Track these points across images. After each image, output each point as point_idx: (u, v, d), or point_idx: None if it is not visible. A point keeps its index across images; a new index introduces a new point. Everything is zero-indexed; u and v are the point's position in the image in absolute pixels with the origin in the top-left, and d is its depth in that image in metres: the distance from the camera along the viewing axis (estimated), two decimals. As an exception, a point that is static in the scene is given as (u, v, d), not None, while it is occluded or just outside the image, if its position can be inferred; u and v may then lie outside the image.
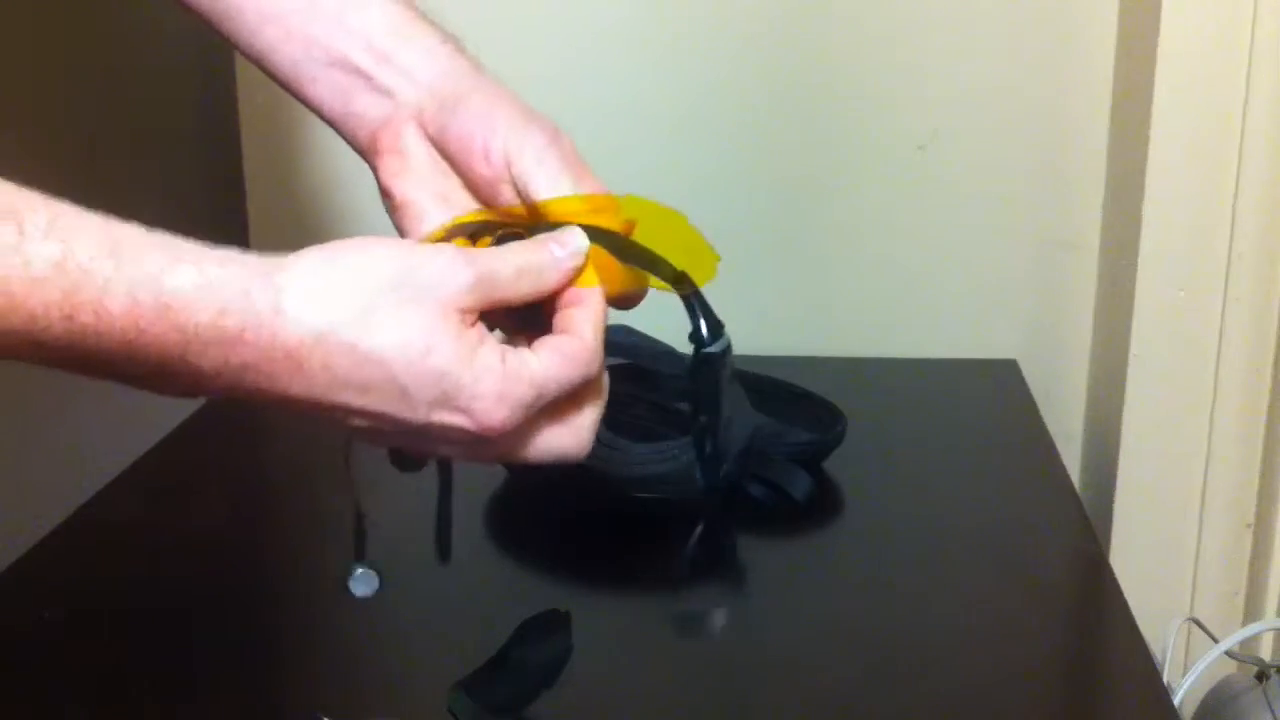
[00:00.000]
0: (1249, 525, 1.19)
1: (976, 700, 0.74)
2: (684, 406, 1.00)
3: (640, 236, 0.63)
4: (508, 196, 0.64)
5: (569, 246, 0.59)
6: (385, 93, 0.67)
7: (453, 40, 0.69)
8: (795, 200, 1.28)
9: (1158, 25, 1.08)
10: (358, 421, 0.55)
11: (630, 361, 1.04)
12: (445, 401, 0.54)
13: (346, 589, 0.66)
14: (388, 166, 0.67)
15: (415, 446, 0.59)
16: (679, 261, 0.63)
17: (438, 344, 0.54)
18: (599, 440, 0.95)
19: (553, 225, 0.62)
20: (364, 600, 0.66)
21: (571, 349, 0.58)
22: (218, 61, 1.25)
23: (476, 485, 0.99)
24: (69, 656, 0.77)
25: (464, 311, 0.55)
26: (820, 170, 1.27)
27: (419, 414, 0.54)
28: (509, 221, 0.63)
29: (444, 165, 0.66)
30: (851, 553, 0.93)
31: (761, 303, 1.28)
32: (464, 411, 0.54)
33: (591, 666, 0.74)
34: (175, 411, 1.10)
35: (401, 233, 0.66)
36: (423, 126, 0.67)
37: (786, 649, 0.80)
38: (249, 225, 1.27)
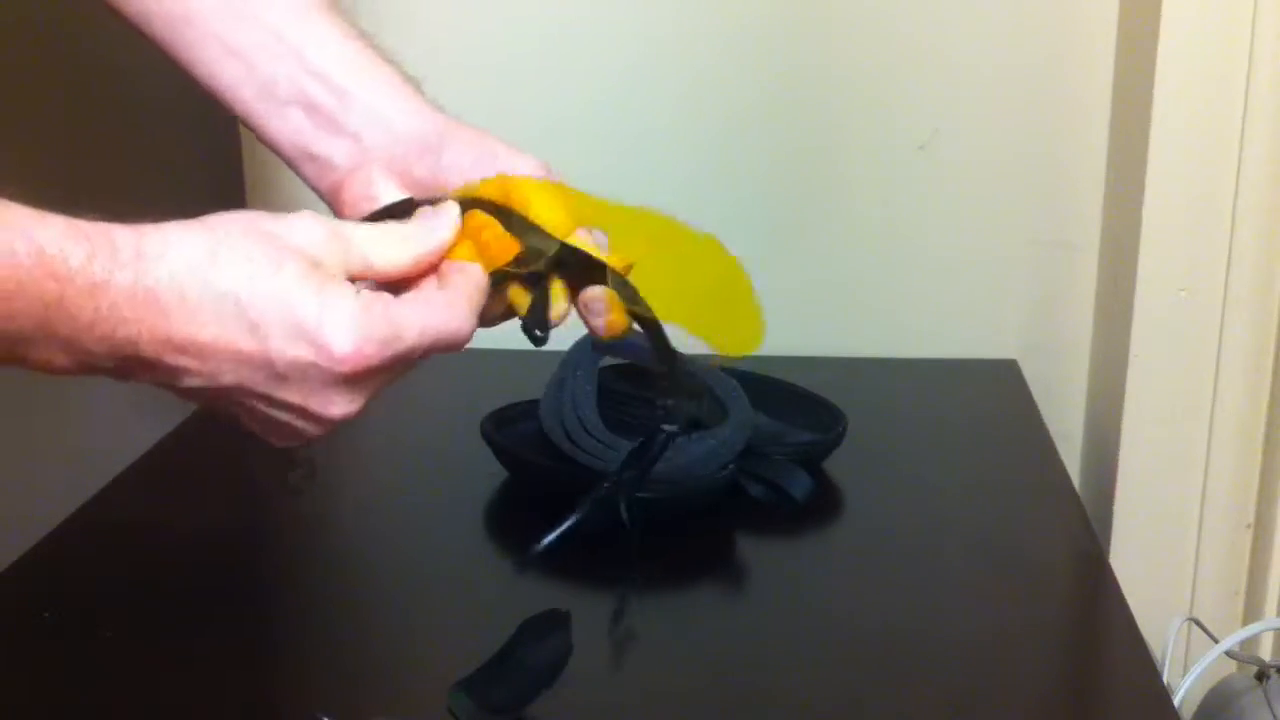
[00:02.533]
0: (1249, 525, 1.19)
1: (976, 700, 0.74)
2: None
3: (664, 275, 0.63)
4: None
5: (442, 216, 0.60)
6: (352, 137, 0.67)
7: (412, 80, 0.69)
8: (795, 200, 1.28)
9: (1158, 25, 1.08)
10: (221, 373, 0.54)
11: (630, 361, 1.04)
12: (295, 331, 0.54)
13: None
14: (360, 213, 0.66)
15: (265, 417, 0.58)
16: (710, 318, 0.63)
17: (284, 274, 0.54)
18: (599, 440, 0.96)
19: (534, 224, 0.62)
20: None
21: (440, 299, 0.58)
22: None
23: (477, 486, 0.99)
24: (69, 657, 0.77)
25: (314, 261, 0.55)
26: (820, 170, 1.27)
27: (272, 347, 0.54)
28: (493, 202, 0.63)
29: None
30: (851, 553, 0.93)
31: (761, 302, 1.28)
32: (312, 341, 0.54)
33: (591, 666, 0.74)
34: (175, 411, 1.10)
35: None
36: (401, 172, 0.66)
37: (786, 649, 0.80)
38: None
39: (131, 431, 1.06)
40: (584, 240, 0.63)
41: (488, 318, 0.63)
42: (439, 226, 0.60)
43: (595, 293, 0.63)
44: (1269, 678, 1.03)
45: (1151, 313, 1.14)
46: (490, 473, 0.98)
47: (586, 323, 0.64)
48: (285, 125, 0.68)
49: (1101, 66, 1.21)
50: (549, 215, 0.62)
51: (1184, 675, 1.08)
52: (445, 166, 0.66)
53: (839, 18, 1.23)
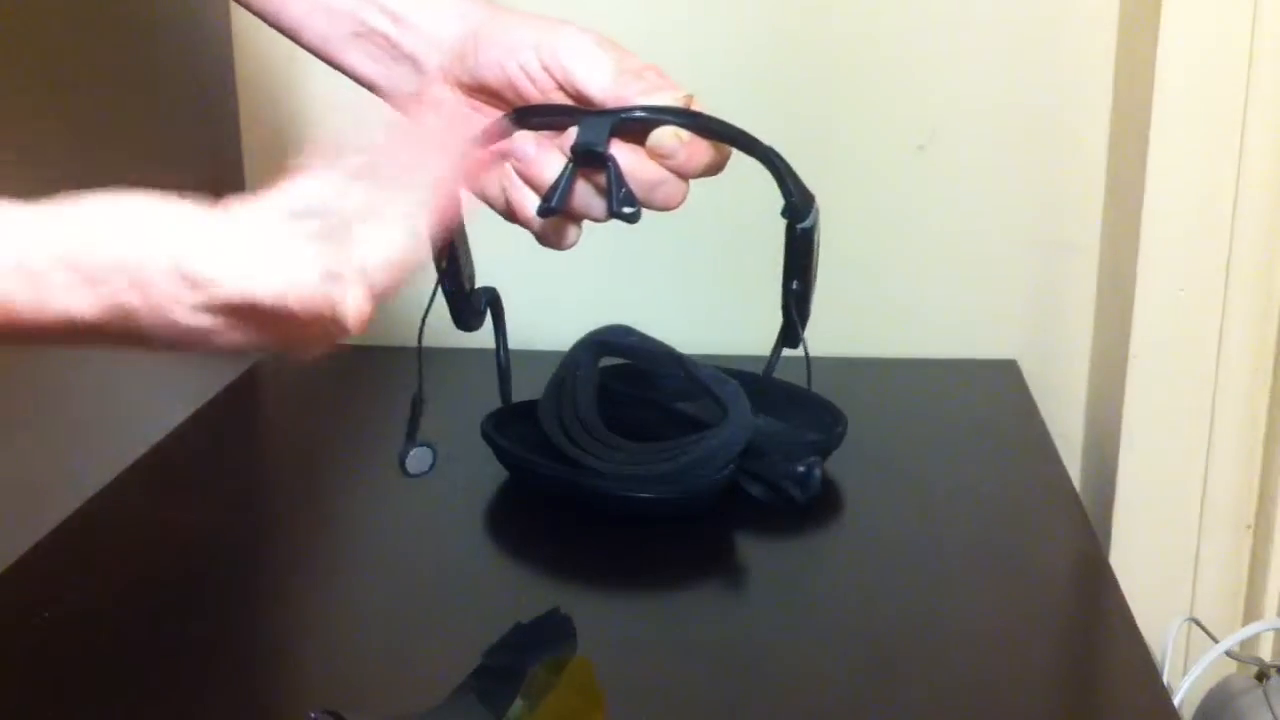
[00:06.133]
0: (1249, 525, 1.19)
1: (976, 700, 0.74)
2: (685, 407, 1.00)
3: None
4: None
5: None
6: (410, 60, 0.69)
7: None
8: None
9: (1158, 26, 1.08)
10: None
11: (630, 361, 1.04)
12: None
13: (402, 469, 0.66)
14: None
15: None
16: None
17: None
18: (599, 440, 0.96)
19: (593, 106, 0.64)
20: (418, 478, 0.67)
21: None
22: (218, 61, 1.25)
23: (476, 485, 0.99)
24: (69, 656, 0.77)
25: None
26: (820, 170, 1.27)
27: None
28: (550, 106, 0.65)
29: (488, 111, 0.68)
30: (851, 553, 0.93)
31: (761, 303, 1.28)
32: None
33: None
34: (176, 410, 1.10)
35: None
36: (455, 85, 0.68)
37: (786, 649, 0.80)
38: (249, 225, 1.27)
39: (132, 431, 1.06)
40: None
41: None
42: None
43: (662, 132, 0.64)
44: (1269, 678, 1.03)
45: (1151, 313, 1.14)
46: (490, 473, 0.98)
47: (671, 168, 0.66)
48: (355, 57, 0.70)
49: (1102, 66, 1.21)
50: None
51: (1184, 675, 1.08)
52: (480, 66, 0.67)
53: (838, 17, 1.23)
